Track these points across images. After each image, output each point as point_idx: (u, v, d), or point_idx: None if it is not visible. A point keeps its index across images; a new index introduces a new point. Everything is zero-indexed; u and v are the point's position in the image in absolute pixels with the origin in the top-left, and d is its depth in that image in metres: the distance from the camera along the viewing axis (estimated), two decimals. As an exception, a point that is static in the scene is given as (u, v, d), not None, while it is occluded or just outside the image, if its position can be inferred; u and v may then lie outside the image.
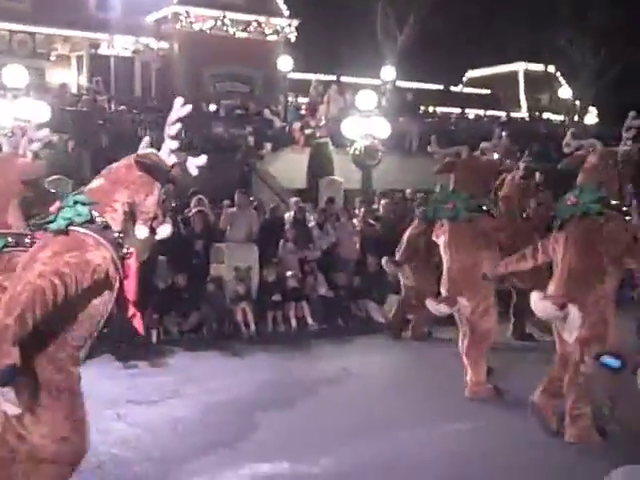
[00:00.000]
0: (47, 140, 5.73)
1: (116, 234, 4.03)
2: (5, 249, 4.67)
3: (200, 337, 10.59)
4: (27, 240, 4.59)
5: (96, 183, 4.18)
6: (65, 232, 3.93)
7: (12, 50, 21.83)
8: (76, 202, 4.03)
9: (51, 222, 4.01)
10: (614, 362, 5.88)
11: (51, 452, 3.96)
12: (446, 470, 5.73)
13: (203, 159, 4.32)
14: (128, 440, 6.43)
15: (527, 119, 26.74)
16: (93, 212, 4.01)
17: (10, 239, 4.70)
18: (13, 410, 3.69)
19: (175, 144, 4.22)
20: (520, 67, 31.85)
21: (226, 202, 13.36)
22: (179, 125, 4.24)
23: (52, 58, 23.39)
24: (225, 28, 24.78)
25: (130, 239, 4.11)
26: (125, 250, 4.08)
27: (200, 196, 12.61)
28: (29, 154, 5.37)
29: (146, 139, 4.44)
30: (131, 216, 4.11)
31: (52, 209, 4.13)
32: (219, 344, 10.29)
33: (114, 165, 4.25)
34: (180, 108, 4.24)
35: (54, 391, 3.95)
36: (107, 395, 7.65)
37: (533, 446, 6.17)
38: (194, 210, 12.11)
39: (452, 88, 29.99)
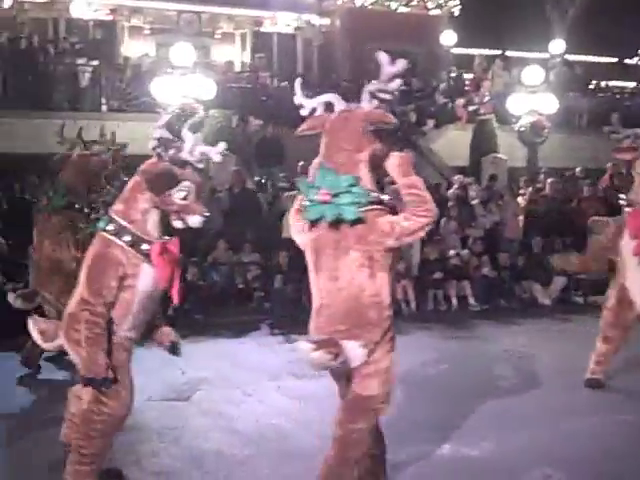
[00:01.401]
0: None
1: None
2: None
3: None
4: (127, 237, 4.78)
5: (341, 156, 4.39)
6: (361, 219, 4.28)
7: (179, 29, 22.45)
8: (350, 185, 4.29)
9: (340, 215, 4.29)
10: None
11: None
12: (607, 465, 5.39)
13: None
14: (289, 412, 6.48)
15: None
16: (363, 186, 4.32)
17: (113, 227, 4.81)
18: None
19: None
20: None
21: (387, 180, 13.21)
22: (399, 81, 4.43)
23: (217, 36, 23.93)
24: (387, 3, 24.54)
25: None
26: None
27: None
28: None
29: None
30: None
31: (321, 198, 4.33)
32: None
33: (330, 124, 4.52)
34: (392, 65, 4.39)
35: None
36: (268, 368, 7.76)
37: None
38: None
39: (627, 61, 28.57)
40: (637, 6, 24.83)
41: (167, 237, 4.83)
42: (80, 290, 4.73)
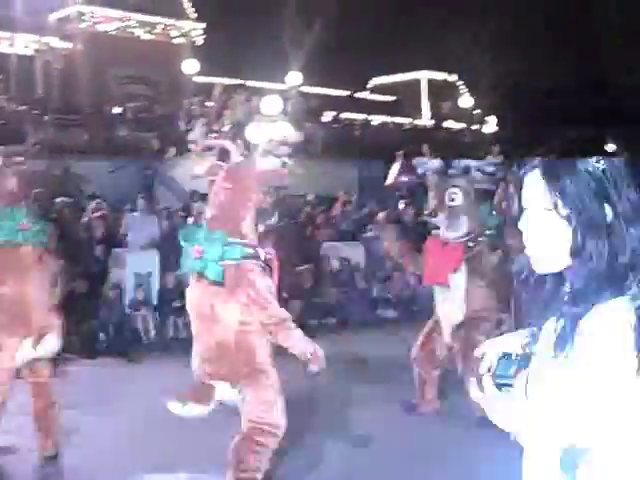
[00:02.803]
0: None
1: None
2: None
3: (98, 343, 10.47)
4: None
5: (226, 210, 4.93)
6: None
7: None
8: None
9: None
10: None
11: None
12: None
13: None
14: (12, 449, 6.33)
15: (429, 127, 27.28)
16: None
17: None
18: None
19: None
20: (423, 75, 32.50)
21: (127, 206, 13.28)
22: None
23: (-52, 55, 22.73)
24: (130, 30, 24.53)
25: None
26: None
27: (99, 200, 12.49)
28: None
29: None
30: None
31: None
32: (118, 351, 10.22)
33: (225, 177, 4.98)
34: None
35: None
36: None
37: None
38: (95, 214, 11.97)
39: (357, 94, 30.36)
40: (365, 45, 26.70)
41: None
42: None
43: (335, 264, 13.36)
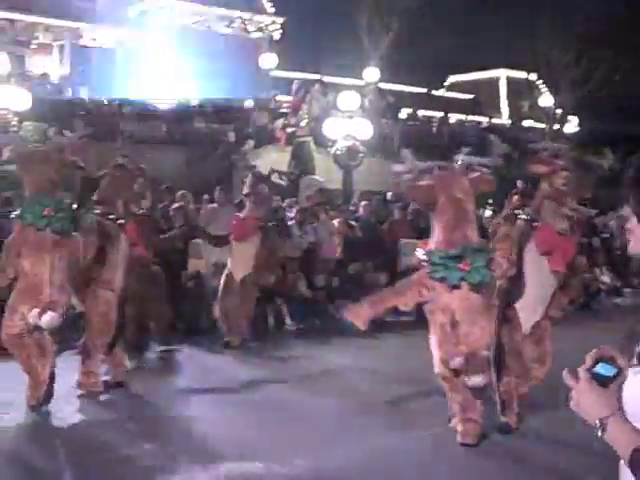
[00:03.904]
0: None
1: None
2: None
3: (176, 332, 10.49)
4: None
5: (469, 225, 6.11)
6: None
7: (-7, 37, 21.58)
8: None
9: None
10: None
11: None
12: (418, 474, 5.72)
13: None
14: (94, 436, 6.35)
15: (508, 126, 26.79)
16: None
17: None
18: None
19: None
20: (502, 74, 31.99)
21: (206, 198, 13.30)
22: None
23: (33, 46, 23.13)
24: (209, 23, 24.73)
25: None
26: None
27: (184, 191, 12.58)
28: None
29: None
30: None
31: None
32: (195, 340, 10.22)
33: (447, 192, 5.96)
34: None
35: None
36: (72, 389, 7.47)
37: (503, 449, 6.20)
38: (175, 205, 12.01)
39: (434, 92, 30.01)
40: (443, 43, 26.39)
41: None
42: None
43: (412, 261, 13.12)
